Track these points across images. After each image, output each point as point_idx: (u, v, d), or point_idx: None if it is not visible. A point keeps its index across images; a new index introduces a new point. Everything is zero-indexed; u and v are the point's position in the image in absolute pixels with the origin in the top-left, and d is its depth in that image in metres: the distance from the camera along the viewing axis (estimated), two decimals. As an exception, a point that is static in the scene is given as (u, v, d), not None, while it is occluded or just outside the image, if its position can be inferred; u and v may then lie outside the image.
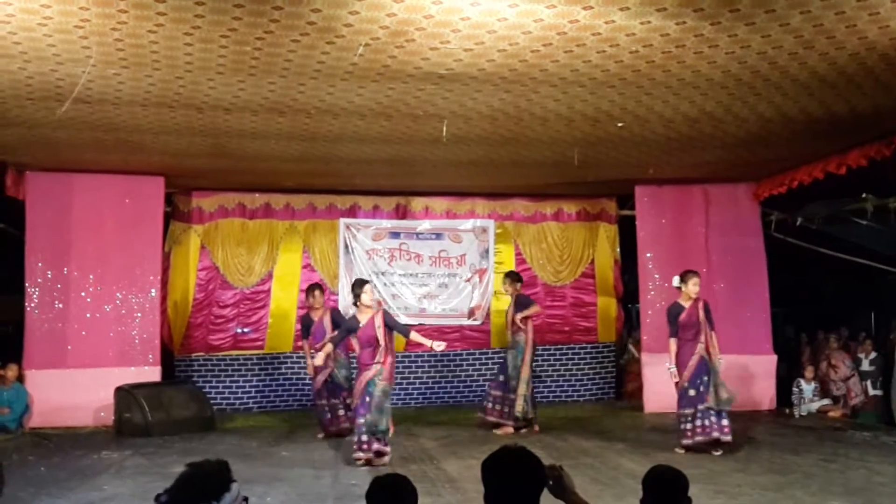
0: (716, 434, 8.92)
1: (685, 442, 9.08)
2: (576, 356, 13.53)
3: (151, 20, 5.70)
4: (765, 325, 12.45)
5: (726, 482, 7.49)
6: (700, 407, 8.98)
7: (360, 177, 11.79)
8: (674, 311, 9.31)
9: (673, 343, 9.25)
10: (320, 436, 10.17)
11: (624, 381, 13.78)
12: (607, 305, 13.78)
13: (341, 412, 10.20)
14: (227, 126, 8.67)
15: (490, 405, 10.65)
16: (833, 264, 12.73)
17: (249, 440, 10.02)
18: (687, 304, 9.24)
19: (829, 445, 9.36)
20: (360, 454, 8.43)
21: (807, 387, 12.08)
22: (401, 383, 12.53)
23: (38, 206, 11.21)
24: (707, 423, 8.96)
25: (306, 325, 10.52)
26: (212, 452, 8.88)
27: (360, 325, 8.65)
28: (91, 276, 11.35)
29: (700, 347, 9.09)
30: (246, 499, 2.80)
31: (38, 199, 11.21)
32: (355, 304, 8.91)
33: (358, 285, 8.94)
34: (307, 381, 12.45)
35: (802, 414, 11.77)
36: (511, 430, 10.35)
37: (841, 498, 6.88)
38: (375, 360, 8.54)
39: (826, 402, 12.12)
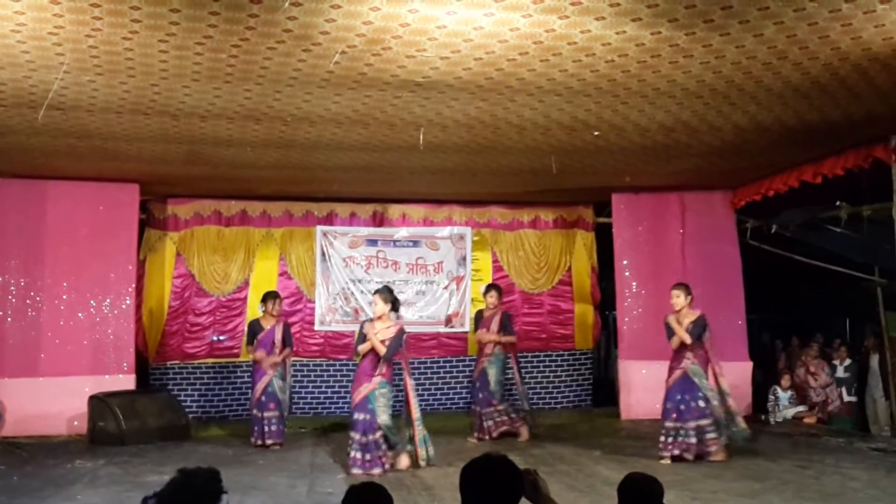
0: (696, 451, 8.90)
1: (663, 454, 9.00)
2: (553, 363, 13.54)
3: (126, 27, 5.66)
4: (740, 331, 12.51)
5: (702, 488, 7.52)
6: (681, 424, 8.90)
7: (338, 184, 11.76)
8: (666, 321, 9.31)
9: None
10: (253, 438, 10.15)
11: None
12: (584, 313, 13.80)
13: (273, 427, 10.11)
14: (203, 133, 8.63)
15: (492, 423, 10.54)
16: (808, 271, 12.82)
17: (225, 448, 9.96)
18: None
19: (804, 451, 9.42)
20: (357, 470, 8.36)
21: (783, 394, 12.15)
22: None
23: (11, 214, 11.10)
24: (686, 440, 8.90)
25: (254, 331, 10.34)
26: (187, 461, 8.81)
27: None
28: (65, 284, 11.25)
29: (686, 363, 9.04)
30: None
31: (11, 207, 11.10)
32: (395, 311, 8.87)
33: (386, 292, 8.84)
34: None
35: (778, 420, 11.85)
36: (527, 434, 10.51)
37: (815, 503, 6.93)
38: (377, 372, 8.56)
39: (801, 408, 12.19)
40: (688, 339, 8.99)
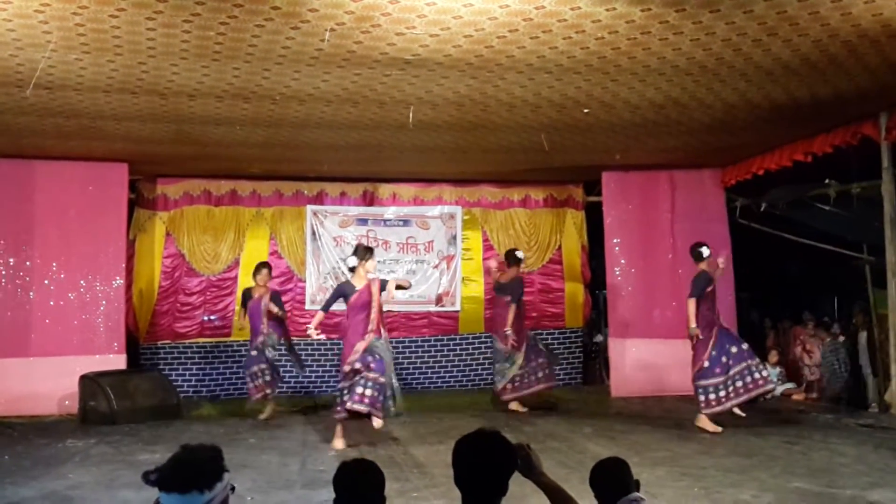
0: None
1: (714, 409, 9.28)
2: (543, 341, 13.56)
3: (113, 4, 5.63)
4: (730, 309, 12.52)
5: (691, 464, 7.57)
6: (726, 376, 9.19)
7: (328, 163, 11.74)
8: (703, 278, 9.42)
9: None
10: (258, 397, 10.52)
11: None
12: (575, 291, 13.83)
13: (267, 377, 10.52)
14: (192, 112, 8.60)
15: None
16: (797, 250, 12.86)
17: (216, 427, 9.98)
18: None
19: (792, 428, 9.48)
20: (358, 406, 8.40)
21: (771, 370, 12.18)
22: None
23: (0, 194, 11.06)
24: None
25: (245, 297, 10.78)
26: (178, 440, 8.83)
27: (357, 289, 8.66)
28: (54, 264, 11.23)
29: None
30: (233, 488, 2.78)
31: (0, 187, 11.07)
32: (352, 269, 8.85)
33: (367, 251, 8.89)
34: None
35: (766, 397, 11.88)
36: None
37: (804, 479, 6.97)
38: (368, 329, 8.56)
39: (790, 385, 12.25)
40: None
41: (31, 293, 11.11)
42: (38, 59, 6.71)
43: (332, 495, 2.94)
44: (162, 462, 2.70)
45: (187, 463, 2.68)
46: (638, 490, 3.34)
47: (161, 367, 12.14)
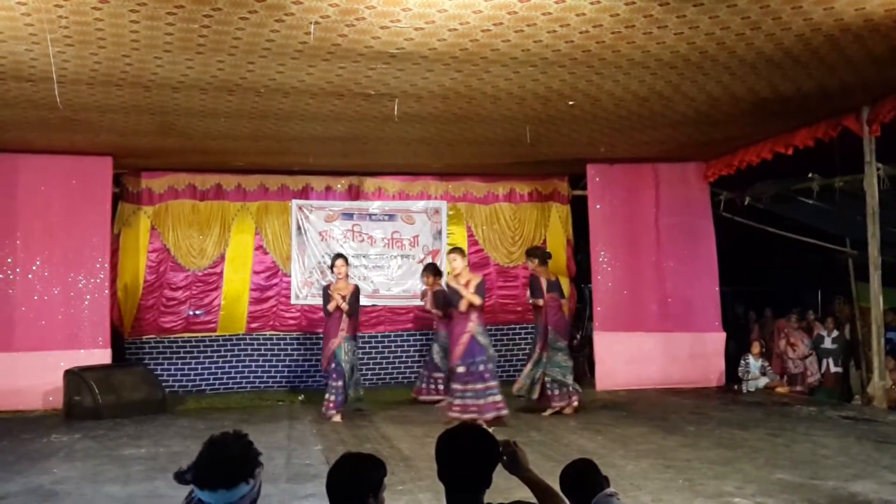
0: None
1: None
2: (528, 335, 13.55)
3: (96, -4, 5.60)
4: (714, 303, 12.61)
5: (676, 457, 7.60)
6: None
7: (313, 156, 11.71)
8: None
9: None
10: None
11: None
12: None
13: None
14: (176, 104, 8.57)
15: None
16: (781, 243, 12.93)
17: (201, 422, 9.92)
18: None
19: (775, 420, 9.53)
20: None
21: (754, 362, 12.25)
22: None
23: (-18, 188, 11.00)
24: None
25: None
26: (163, 435, 8.84)
27: None
28: (38, 259, 11.17)
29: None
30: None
31: (-18, 181, 11.01)
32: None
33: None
34: (259, 363, 12.50)
35: (750, 390, 11.97)
36: None
37: (787, 471, 7.01)
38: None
39: (773, 377, 12.32)
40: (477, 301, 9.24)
41: (15, 288, 11.06)
42: (21, 51, 6.68)
43: (317, 489, 2.91)
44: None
45: (226, 457, 2.59)
46: (609, 486, 3.34)
47: (146, 361, 12.09)
